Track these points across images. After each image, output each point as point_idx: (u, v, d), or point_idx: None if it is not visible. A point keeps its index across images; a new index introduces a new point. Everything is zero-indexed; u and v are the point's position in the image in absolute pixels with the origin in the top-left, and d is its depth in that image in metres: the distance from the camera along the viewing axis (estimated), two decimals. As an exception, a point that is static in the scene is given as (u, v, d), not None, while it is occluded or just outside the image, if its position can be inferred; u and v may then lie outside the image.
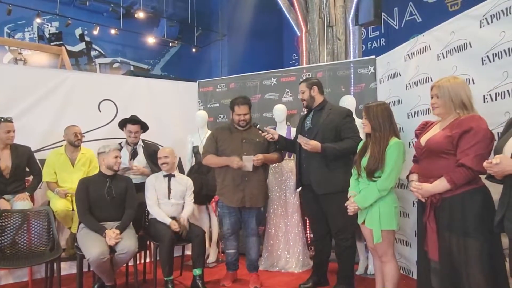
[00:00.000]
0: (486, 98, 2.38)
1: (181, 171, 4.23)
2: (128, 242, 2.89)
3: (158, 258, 3.14)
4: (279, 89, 4.31)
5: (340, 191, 2.78)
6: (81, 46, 10.81)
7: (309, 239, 3.87)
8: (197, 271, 3.15)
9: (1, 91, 3.65)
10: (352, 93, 3.90)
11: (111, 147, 3.10)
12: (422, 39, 3.04)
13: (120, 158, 3.16)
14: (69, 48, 10.14)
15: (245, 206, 3.17)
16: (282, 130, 3.81)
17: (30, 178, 3.57)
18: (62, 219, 3.42)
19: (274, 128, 3.72)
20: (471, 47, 2.53)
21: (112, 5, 9.97)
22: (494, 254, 1.89)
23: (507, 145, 1.72)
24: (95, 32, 9.92)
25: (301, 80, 3.34)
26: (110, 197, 3.05)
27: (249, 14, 9.90)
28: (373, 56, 3.89)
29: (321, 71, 4.13)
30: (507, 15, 2.25)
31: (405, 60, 3.27)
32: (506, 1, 2.24)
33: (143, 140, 3.87)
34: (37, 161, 3.62)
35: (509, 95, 2.25)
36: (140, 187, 3.40)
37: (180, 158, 4.26)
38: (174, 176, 3.36)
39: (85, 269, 3.09)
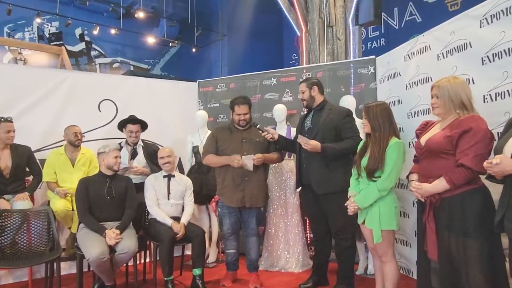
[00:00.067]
0: (486, 98, 2.38)
1: (181, 171, 4.24)
2: (128, 242, 2.89)
3: (158, 258, 3.14)
4: (279, 89, 4.31)
5: (340, 191, 2.78)
6: (81, 46, 10.81)
7: (309, 239, 3.87)
8: (197, 271, 3.15)
9: (1, 91, 3.65)
10: (352, 93, 3.90)
11: (111, 147, 3.10)
12: (422, 39, 3.04)
13: (120, 158, 3.16)
14: (69, 48, 10.15)
15: (245, 206, 3.17)
16: (282, 130, 3.81)
17: (30, 178, 3.57)
18: (62, 219, 3.42)
19: (274, 128, 3.72)
20: (471, 47, 2.53)
21: (112, 5, 9.97)
22: (494, 254, 1.89)
23: (507, 145, 1.72)
24: (95, 32, 9.92)
25: (301, 80, 3.34)
26: (110, 197, 3.05)
27: (249, 14, 9.90)
28: (373, 56, 3.89)
29: (321, 71, 4.13)
30: (507, 15, 2.25)
31: (405, 60, 3.27)
32: (506, 1, 2.24)
33: (142, 140, 3.87)
34: (37, 161, 3.62)
35: (509, 95, 2.25)
36: (140, 187, 3.40)
37: (180, 158, 4.27)
38: (173, 176, 3.36)
39: (85, 269, 3.09)
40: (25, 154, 3.45)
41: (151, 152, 3.71)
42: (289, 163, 3.77)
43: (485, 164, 1.71)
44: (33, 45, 9.28)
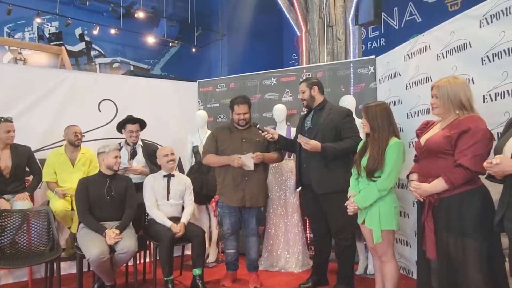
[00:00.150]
0: (486, 98, 2.38)
1: (181, 171, 4.24)
2: (128, 242, 2.89)
3: (158, 258, 3.13)
4: (279, 89, 4.31)
5: (340, 191, 2.78)
6: (81, 46, 10.81)
7: (309, 239, 3.87)
8: (197, 271, 3.15)
9: (1, 91, 3.65)
10: (352, 93, 3.90)
11: (111, 147, 3.10)
12: (422, 39, 3.04)
13: (120, 158, 3.16)
14: (69, 48, 10.14)
15: (245, 205, 3.17)
16: (282, 130, 3.81)
17: (30, 178, 3.57)
18: (61, 219, 3.42)
19: (274, 128, 3.72)
20: (471, 47, 2.53)
21: (112, 5, 9.96)
22: (493, 254, 1.89)
23: (507, 145, 1.72)
24: (95, 32, 9.92)
25: (301, 80, 3.35)
26: (110, 197, 3.05)
27: (249, 14, 9.90)
28: (373, 56, 3.89)
29: (321, 71, 4.13)
30: (507, 15, 2.25)
31: (405, 60, 3.27)
32: (506, 1, 2.24)
33: (142, 140, 3.87)
34: (37, 161, 3.62)
35: (509, 95, 2.25)
36: (140, 186, 3.39)
37: (180, 158, 4.27)
38: (173, 176, 3.36)
39: (85, 269, 3.08)
40: (25, 154, 3.45)
41: (151, 152, 3.71)
42: (289, 163, 3.77)
43: (485, 164, 1.72)
44: (33, 45, 9.29)
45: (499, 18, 2.30)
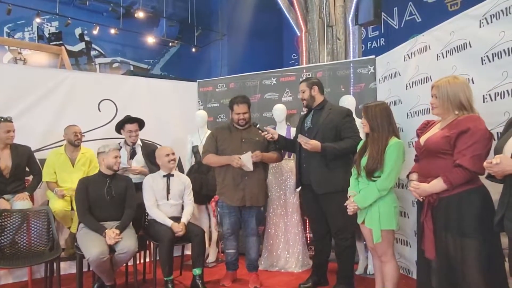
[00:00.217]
0: (486, 98, 2.38)
1: (181, 170, 4.24)
2: (127, 242, 2.89)
3: (157, 258, 3.13)
4: (279, 89, 4.31)
5: (340, 190, 2.78)
6: (81, 46, 10.82)
7: (308, 239, 3.87)
8: (197, 271, 3.15)
9: (1, 91, 3.64)
10: (351, 93, 3.90)
11: (110, 147, 3.09)
12: (421, 39, 3.04)
13: (119, 158, 3.16)
14: (69, 48, 10.15)
15: (245, 205, 3.17)
16: (282, 129, 3.81)
17: (30, 178, 3.57)
18: (61, 219, 3.42)
19: (274, 128, 3.72)
20: (470, 47, 2.53)
21: (111, 4, 9.96)
22: (493, 254, 1.89)
23: (507, 145, 1.72)
24: (95, 32, 9.92)
25: (301, 79, 3.34)
26: (110, 197, 3.05)
27: (249, 14, 9.90)
28: (373, 56, 3.89)
29: (321, 71, 4.13)
30: (506, 15, 2.25)
31: (404, 60, 3.27)
32: (506, 1, 2.24)
33: (141, 140, 3.87)
34: (37, 161, 3.62)
35: (508, 95, 2.25)
36: (140, 186, 3.39)
37: (179, 158, 4.27)
38: (173, 176, 3.36)
39: (84, 269, 3.08)
40: (25, 154, 3.45)
41: (150, 152, 3.71)
42: (289, 163, 3.77)
43: (485, 164, 1.72)
44: (33, 45, 9.28)
45: (499, 18, 2.30)
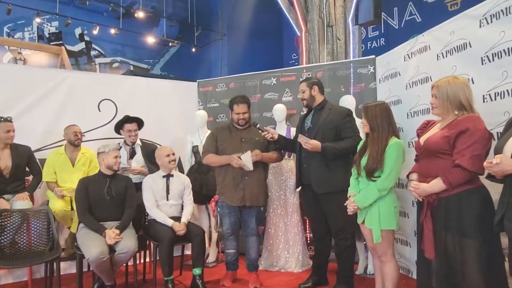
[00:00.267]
0: (486, 98, 2.38)
1: (181, 170, 4.24)
2: (127, 241, 2.89)
3: (157, 258, 3.13)
4: (279, 89, 4.31)
5: (340, 190, 2.78)
6: (81, 45, 10.82)
7: (308, 239, 3.87)
8: (197, 271, 3.15)
9: (1, 91, 3.64)
10: (351, 93, 3.90)
11: (110, 147, 3.09)
12: (421, 39, 3.04)
13: (119, 158, 3.16)
14: (69, 47, 10.15)
15: (245, 205, 3.17)
16: (282, 129, 3.81)
17: (30, 177, 3.57)
18: (61, 219, 3.42)
19: (274, 128, 3.73)
20: (470, 47, 2.53)
21: (111, 4, 9.97)
22: (493, 254, 1.89)
23: (507, 145, 1.72)
24: (95, 32, 9.92)
25: (301, 79, 3.34)
26: (110, 197, 3.05)
27: (249, 13, 9.90)
28: (373, 56, 3.88)
29: (321, 71, 4.13)
30: (506, 15, 2.25)
31: (404, 60, 3.27)
32: (506, 1, 2.24)
33: (141, 140, 3.87)
34: (37, 160, 3.62)
35: (508, 95, 2.25)
36: (140, 186, 3.39)
37: (179, 158, 4.27)
38: (172, 176, 3.36)
39: (84, 269, 3.08)
40: (25, 154, 3.45)
41: (150, 151, 3.71)
42: (289, 163, 3.77)
43: (485, 164, 1.72)
44: (33, 45, 9.29)
45: (499, 18, 2.30)
